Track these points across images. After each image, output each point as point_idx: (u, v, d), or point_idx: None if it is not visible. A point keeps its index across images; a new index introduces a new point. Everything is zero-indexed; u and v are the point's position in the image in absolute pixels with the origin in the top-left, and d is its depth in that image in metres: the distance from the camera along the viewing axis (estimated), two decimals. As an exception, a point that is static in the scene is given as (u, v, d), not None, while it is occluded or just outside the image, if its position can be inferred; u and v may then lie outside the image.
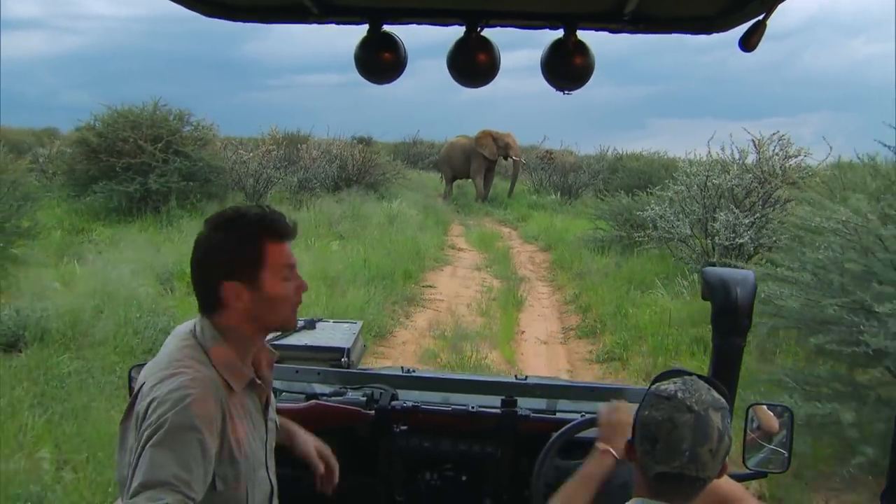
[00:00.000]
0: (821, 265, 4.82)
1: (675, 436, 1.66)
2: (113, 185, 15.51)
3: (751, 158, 11.82)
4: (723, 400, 1.72)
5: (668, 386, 1.74)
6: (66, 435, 5.00)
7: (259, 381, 2.04)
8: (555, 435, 2.49)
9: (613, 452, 2.11)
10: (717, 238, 10.53)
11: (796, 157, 11.62)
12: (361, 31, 2.12)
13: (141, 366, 2.08)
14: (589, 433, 2.48)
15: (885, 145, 5.82)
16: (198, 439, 1.73)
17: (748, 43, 1.95)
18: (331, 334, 3.41)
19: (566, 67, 2.10)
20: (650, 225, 12.13)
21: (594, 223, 15.52)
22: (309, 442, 2.42)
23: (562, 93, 2.18)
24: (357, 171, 22.32)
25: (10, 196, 9.17)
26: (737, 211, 10.55)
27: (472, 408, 2.80)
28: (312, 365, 3.08)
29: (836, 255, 4.74)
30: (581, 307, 10.43)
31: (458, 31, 2.12)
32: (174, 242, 11.96)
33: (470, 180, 25.17)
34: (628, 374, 7.40)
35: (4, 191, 9.02)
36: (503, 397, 2.77)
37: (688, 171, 12.28)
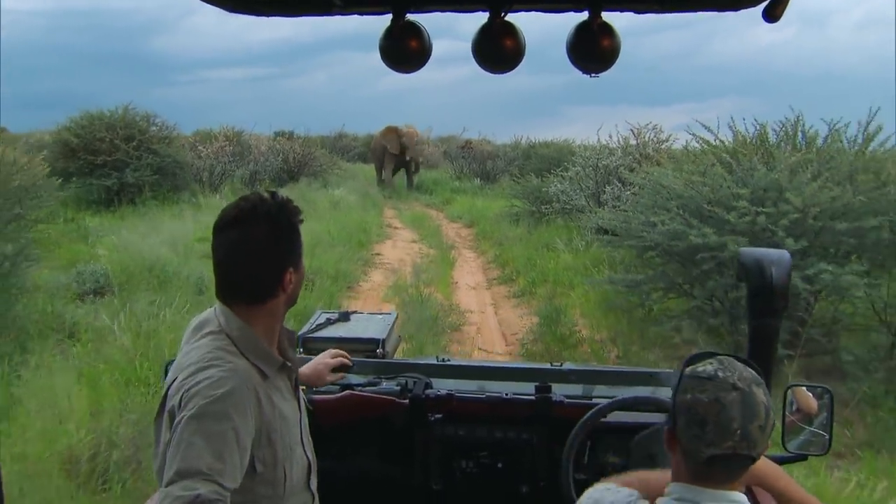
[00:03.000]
0: (640, 207, 7.94)
1: (724, 415, 1.60)
2: (93, 179, 17.72)
3: (633, 142, 14.90)
4: (759, 375, 1.68)
5: (706, 367, 1.68)
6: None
7: (289, 364, 2.10)
8: (582, 419, 2.52)
9: None
10: (605, 206, 13.49)
11: (666, 142, 14.69)
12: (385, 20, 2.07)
13: (174, 361, 2.14)
14: (619, 416, 2.60)
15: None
16: (232, 429, 1.76)
17: (773, 14, 1.85)
18: (365, 326, 3.47)
19: (592, 50, 2.03)
20: (554, 199, 15.04)
21: (510, 202, 18.27)
22: (320, 365, 2.64)
23: (588, 75, 2.11)
24: (298, 164, 24.82)
25: (31, 190, 10.98)
26: (619, 185, 13.51)
27: (507, 395, 2.82)
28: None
29: (648, 200, 7.82)
30: (500, 264, 13.22)
31: (482, 17, 2.07)
32: (158, 225, 14.34)
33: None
34: (535, 301, 10.20)
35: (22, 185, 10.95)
36: (537, 384, 2.79)
37: (583, 154, 15.28)
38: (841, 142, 7.50)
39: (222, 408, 1.77)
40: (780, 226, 6.12)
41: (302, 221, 2.07)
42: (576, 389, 3.00)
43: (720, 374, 1.64)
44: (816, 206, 6.23)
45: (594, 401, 2.74)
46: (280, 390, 2.04)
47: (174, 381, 1.89)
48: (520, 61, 2.08)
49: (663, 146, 14.66)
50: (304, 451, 2.12)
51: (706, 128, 8.30)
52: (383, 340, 3.29)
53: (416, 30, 2.06)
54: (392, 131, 25.81)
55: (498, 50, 2.05)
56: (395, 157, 25.94)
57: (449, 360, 3.28)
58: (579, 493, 2.22)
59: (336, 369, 2.66)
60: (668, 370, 3.13)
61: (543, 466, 2.74)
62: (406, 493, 2.85)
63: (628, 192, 13.28)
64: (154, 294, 8.69)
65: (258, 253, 1.97)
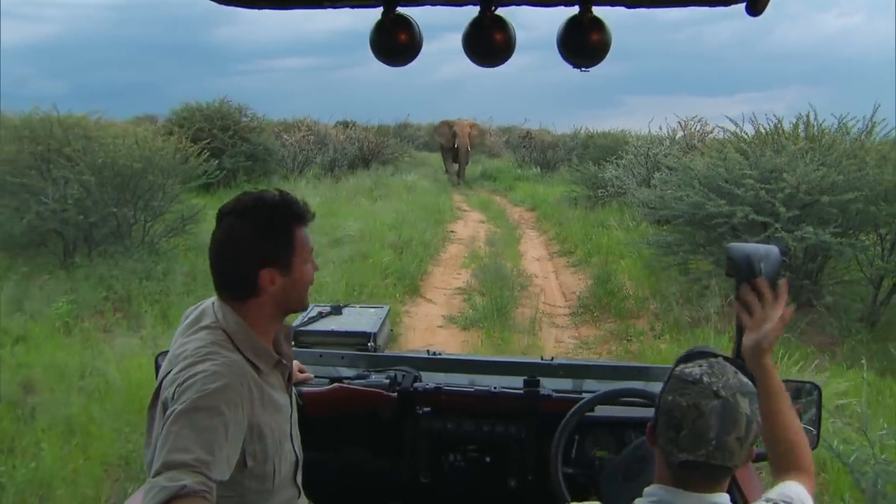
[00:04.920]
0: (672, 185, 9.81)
1: (700, 423, 1.57)
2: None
3: (680, 134, 16.65)
4: (751, 384, 1.64)
5: (694, 369, 1.64)
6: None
7: (284, 361, 2.11)
8: (570, 413, 2.55)
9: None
10: (656, 189, 15.24)
11: (711, 133, 16.37)
12: (376, 14, 2.06)
13: (167, 353, 2.11)
14: (607, 410, 2.68)
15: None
16: (223, 423, 1.77)
17: (756, 7, 1.87)
18: (357, 319, 3.54)
19: (582, 44, 2.01)
20: (609, 184, 16.82)
21: (569, 187, 19.98)
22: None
23: (579, 70, 2.10)
24: (371, 152, 26.87)
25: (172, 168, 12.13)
26: (668, 171, 15.23)
27: (495, 388, 2.84)
28: (339, 349, 3.15)
29: (680, 180, 9.67)
30: (560, 240, 15.01)
31: (472, 11, 2.06)
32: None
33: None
34: (590, 268, 12.01)
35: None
36: (526, 378, 2.82)
37: (635, 144, 17.05)
38: (848, 133, 9.24)
39: (214, 402, 1.78)
40: (777, 199, 7.91)
41: (303, 223, 2.05)
42: (565, 384, 3.03)
43: (705, 378, 1.61)
44: (807, 184, 7.98)
45: (583, 395, 2.79)
46: (273, 386, 2.05)
47: (168, 373, 1.90)
48: (510, 55, 2.06)
49: (707, 137, 16.32)
50: (293, 446, 2.15)
51: (732, 121, 10.23)
52: (375, 334, 3.38)
53: (406, 23, 2.06)
54: (443, 125, 25.99)
55: (488, 44, 2.05)
56: (450, 149, 25.95)
57: (439, 354, 3.26)
58: (568, 486, 2.43)
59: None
60: (659, 365, 3.14)
61: (532, 460, 2.76)
62: (394, 486, 2.87)
63: (675, 178, 15.14)
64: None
65: (236, 250, 1.98)
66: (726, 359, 1.70)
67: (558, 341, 8.40)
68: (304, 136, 24.36)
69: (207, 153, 12.92)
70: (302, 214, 2.06)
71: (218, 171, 13.56)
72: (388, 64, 2.13)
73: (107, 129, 11.19)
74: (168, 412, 1.77)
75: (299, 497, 2.21)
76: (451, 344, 8.16)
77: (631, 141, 18.21)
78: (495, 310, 9.16)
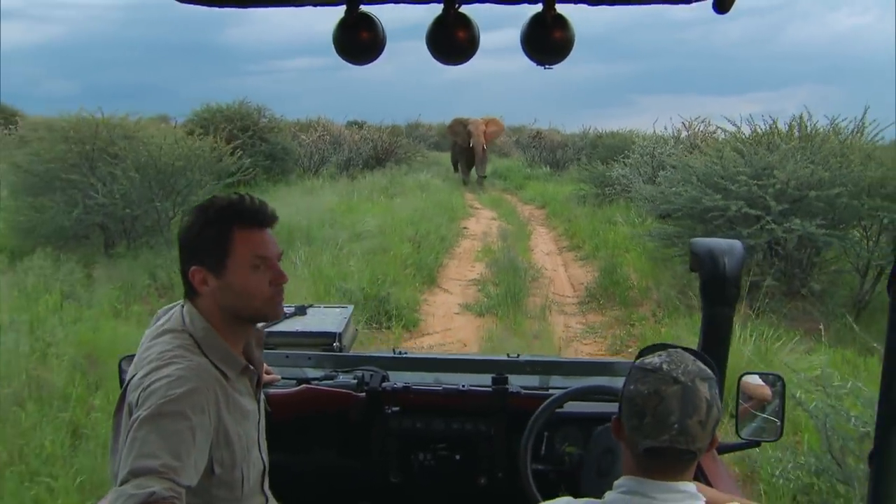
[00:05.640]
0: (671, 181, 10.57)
1: (662, 408, 1.61)
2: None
3: (684, 134, 17.34)
4: (709, 370, 1.68)
5: (653, 359, 1.69)
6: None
7: (252, 367, 2.08)
8: (539, 409, 2.56)
9: None
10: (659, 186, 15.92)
11: (714, 133, 17.02)
12: (339, 12, 2.03)
13: (130, 357, 2.08)
14: (576, 406, 2.68)
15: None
16: (189, 428, 1.75)
17: (723, 5, 1.86)
18: (322, 319, 3.51)
19: (546, 42, 2.00)
20: (616, 183, 17.50)
21: (578, 186, 20.64)
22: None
23: (542, 67, 2.07)
24: (385, 152, 27.61)
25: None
26: (671, 169, 15.92)
27: (464, 386, 2.84)
28: (304, 350, 3.13)
29: (679, 177, 10.40)
30: (569, 236, 15.68)
31: (436, 9, 2.02)
32: (278, 199, 17.15)
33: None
34: (597, 262, 12.69)
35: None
36: (494, 375, 2.83)
37: (641, 144, 17.74)
38: (839, 133, 9.93)
39: (180, 407, 1.75)
40: (769, 193, 8.60)
41: (265, 226, 2.02)
42: (532, 380, 3.04)
43: (664, 366, 1.65)
44: (796, 180, 8.67)
45: (550, 391, 2.82)
46: (241, 392, 2.03)
47: (134, 377, 1.87)
48: (474, 53, 2.05)
49: (710, 137, 16.97)
50: (261, 453, 2.13)
51: (730, 122, 10.98)
52: (340, 334, 3.35)
53: (369, 22, 2.03)
54: (457, 123, 25.32)
55: (451, 42, 2.03)
56: (465, 149, 25.20)
57: (405, 353, 3.27)
58: (538, 483, 2.42)
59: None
60: (624, 360, 3.16)
61: (501, 458, 2.76)
62: (363, 486, 2.87)
63: (678, 176, 15.84)
64: (304, 247, 11.41)
65: (180, 248, 2.01)
66: (684, 349, 1.74)
67: (567, 327, 9.06)
68: (319, 137, 25.18)
69: (240, 153, 13.65)
70: (246, 216, 2.00)
71: (250, 169, 14.34)
72: (352, 62, 2.09)
73: (145, 129, 11.98)
74: (133, 418, 1.75)
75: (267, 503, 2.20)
76: (467, 328, 8.89)
77: (637, 141, 18.88)
78: (509, 297, 9.84)
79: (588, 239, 14.49)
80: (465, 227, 16.83)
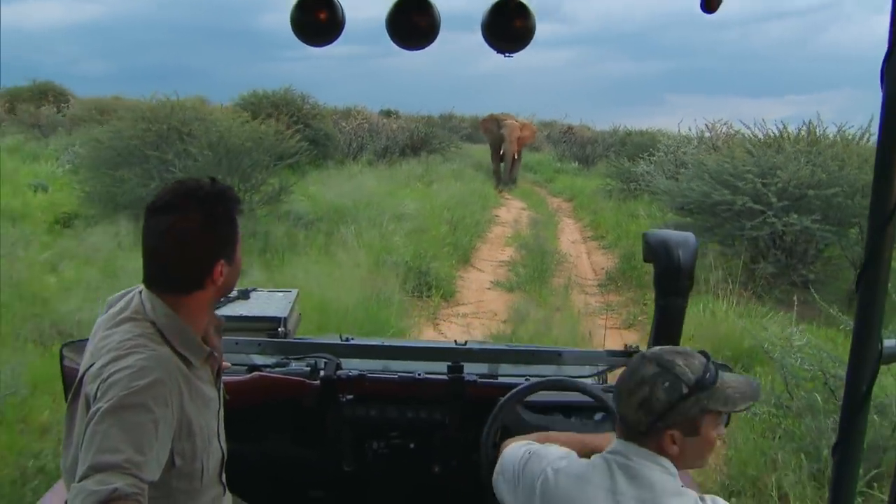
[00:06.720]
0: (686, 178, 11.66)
1: (622, 382, 1.88)
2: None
3: (707, 135, 18.33)
4: (671, 370, 1.80)
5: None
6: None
7: (216, 355, 2.06)
8: (502, 400, 2.55)
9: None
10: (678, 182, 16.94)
11: (736, 135, 17.97)
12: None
13: (73, 343, 2.08)
14: (536, 396, 2.63)
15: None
16: (152, 420, 1.71)
17: (710, 5, 1.87)
18: (266, 303, 3.50)
19: (507, 30, 2.02)
20: (640, 179, 18.51)
21: (605, 181, 21.63)
22: None
23: (503, 55, 2.08)
24: (420, 141, 28.68)
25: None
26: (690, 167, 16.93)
27: (419, 374, 2.84)
28: (248, 335, 3.04)
29: (691, 173, 11.46)
30: (594, 227, 16.70)
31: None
32: (328, 182, 18.28)
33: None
34: (619, 250, 13.71)
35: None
36: (449, 363, 2.81)
37: (665, 143, 18.77)
38: (845, 139, 10.95)
39: (142, 399, 1.71)
40: (771, 191, 9.65)
41: (241, 212, 2.02)
42: (482, 368, 3.07)
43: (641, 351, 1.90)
44: (797, 179, 9.71)
45: (502, 379, 2.87)
46: (202, 379, 2.00)
47: (91, 366, 1.82)
48: (433, 38, 2.03)
49: (732, 139, 17.91)
50: (219, 442, 2.10)
51: (745, 125, 12.18)
52: (285, 319, 3.33)
53: (327, 2, 2.01)
54: (491, 120, 24.61)
55: (412, 26, 2.02)
56: (496, 147, 24.33)
57: (353, 339, 3.22)
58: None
59: None
60: (573, 349, 3.27)
61: (456, 446, 2.75)
62: (317, 475, 2.86)
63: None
64: (350, 226, 12.50)
65: (188, 242, 1.91)
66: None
67: (587, 304, 10.12)
68: (359, 124, 26.32)
69: (298, 136, 14.80)
70: (239, 201, 2.03)
71: (309, 151, 15.47)
72: (309, 44, 2.05)
73: (212, 112, 13.18)
74: (93, 410, 1.70)
75: (224, 494, 2.16)
76: (498, 301, 9.97)
77: (662, 140, 19.87)
78: (536, 276, 10.95)
79: (611, 230, 15.41)
80: (496, 215, 17.85)
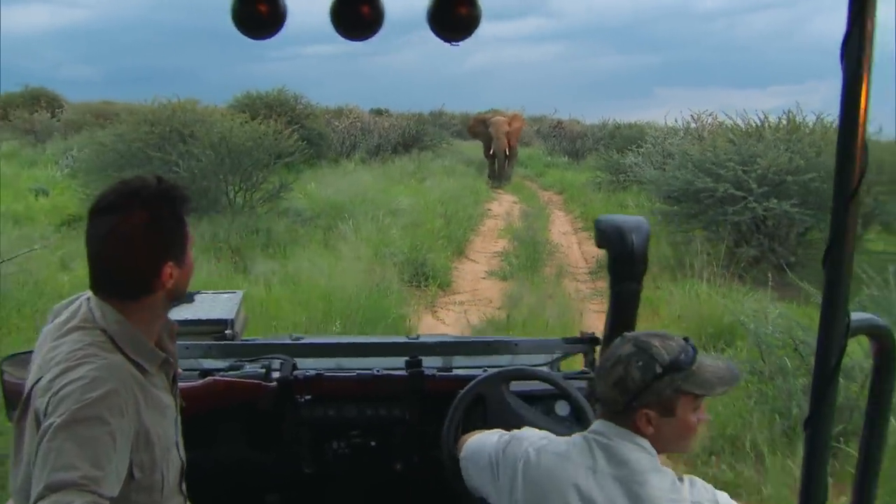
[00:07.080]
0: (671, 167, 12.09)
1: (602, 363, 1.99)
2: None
3: (693, 126, 18.77)
4: (647, 355, 1.87)
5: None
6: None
7: (171, 360, 1.98)
8: (461, 392, 2.53)
9: None
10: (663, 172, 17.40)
11: (721, 125, 18.41)
12: None
13: (14, 357, 1.99)
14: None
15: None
16: (109, 433, 1.62)
17: None
18: (211, 306, 3.40)
19: (451, 18, 1.97)
20: (629, 170, 18.94)
21: (594, 174, 22.05)
22: None
23: (449, 44, 2.02)
24: (412, 139, 29.06)
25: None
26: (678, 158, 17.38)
27: (378, 371, 2.80)
28: (194, 339, 2.96)
29: (676, 163, 11.90)
30: (584, 218, 17.02)
31: None
32: (323, 180, 18.65)
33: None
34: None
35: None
36: (407, 358, 2.78)
37: (653, 135, 19.21)
38: (826, 126, 11.38)
39: (97, 411, 1.62)
40: (752, 177, 10.09)
41: (189, 211, 1.92)
42: (438, 361, 3.03)
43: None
44: (776, 166, 10.15)
45: (456, 371, 2.85)
46: (158, 387, 1.92)
47: (39, 380, 1.73)
48: (378, 28, 1.97)
49: (716, 129, 18.35)
50: (178, 451, 2.02)
51: (726, 114, 12.59)
52: (232, 321, 3.25)
53: None
54: (479, 122, 24.68)
55: (356, 16, 1.95)
56: (487, 150, 24.36)
57: (302, 339, 3.20)
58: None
59: None
60: (527, 339, 3.27)
61: (416, 442, 2.72)
62: (276, 479, 2.80)
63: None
64: (348, 221, 12.89)
65: (133, 244, 1.81)
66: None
67: (577, 290, 10.52)
68: (351, 123, 26.74)
69: (296, 136, 15.23)
70: (188, 199, 1.95)
71: (304, 150, 15.75)
72: (250, 37, 1.98)
73: (212, 114, 13.59)
74: (45, 426, 1.61)
75: None
76: (493, 289, 10.39)
77: (650, 132, 20.31)
78: (529, 264, 11.39)
79: (601, 221, 15.86)
80: (488, 209, 18.24)
